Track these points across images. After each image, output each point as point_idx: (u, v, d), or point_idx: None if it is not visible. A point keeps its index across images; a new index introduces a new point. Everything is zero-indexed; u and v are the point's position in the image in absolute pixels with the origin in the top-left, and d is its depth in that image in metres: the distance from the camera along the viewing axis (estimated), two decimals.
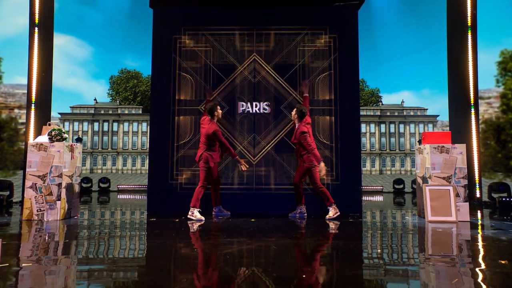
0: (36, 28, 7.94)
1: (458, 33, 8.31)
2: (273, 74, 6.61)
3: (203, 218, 5.45)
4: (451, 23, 8.52)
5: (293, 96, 6.51)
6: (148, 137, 9.41)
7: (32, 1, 7.94)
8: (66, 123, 34.39)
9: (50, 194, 5.31)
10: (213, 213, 5.85)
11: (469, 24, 8.16)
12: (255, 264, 3.17)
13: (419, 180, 6.05)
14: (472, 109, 8.08)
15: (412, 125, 34.89)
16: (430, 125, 34.74)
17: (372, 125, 35.08)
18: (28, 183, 5.34)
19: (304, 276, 2.90)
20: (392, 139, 34.98)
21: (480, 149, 8.09)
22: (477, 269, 3.00)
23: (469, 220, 5.44)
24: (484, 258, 3.41)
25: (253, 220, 5.38)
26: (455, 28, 8.40)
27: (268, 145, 6.45)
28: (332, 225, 5.16)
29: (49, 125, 5.77)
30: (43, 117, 7.81)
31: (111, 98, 36.03)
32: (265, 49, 6.71)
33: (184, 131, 6.56)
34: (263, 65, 6.65)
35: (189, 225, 5.09)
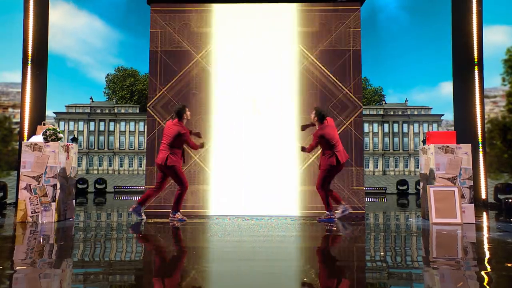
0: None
1: (463, 34, 8.30)
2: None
3: (185, 218, 5.51)
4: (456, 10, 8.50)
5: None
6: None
7: None
8: (61, 123, 34.40)
9: (45, 195, 5.30)
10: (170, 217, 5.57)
11: (475, 29, 8.12)
12: (254, 267, 3.17)
13: (423, 181, 6.05)
14: (478, 108, 8.07)
15: (416, 125, 34.90)
16: (435, 125, 34.75)
17: (375, 125, 35.09)
18: (22, 184, 5.34)
19: (305, 279, 2.90)
20: (396, 139, 34.99)
21: (486, 149, 8.09)
22: (482, 272, 3.00)
23: (474, 222, 5.43)
24: (490, 261, 3.41)
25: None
26: (459, 31, 8.37)
27: None
28: (334, 227, 5.16)
29: (44, 124, 5.77)
30: (38, 117, 7.81)
31: (107, 97, 36.03)
32: None
33: None
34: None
35: (187, 226, 5.09)
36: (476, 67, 8.12)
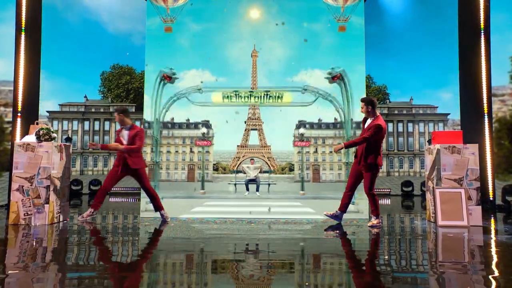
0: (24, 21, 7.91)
1: (470, 31, 8.29)
2: None
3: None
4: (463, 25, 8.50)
5: None
6: None
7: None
8: (55, 122, 34.27)
9: (38, 197, 5.30)
10: None
11: (482, 26, 8.09)
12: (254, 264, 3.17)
13: (429, 183, 6.05)
14: (485, 107, 8.07)
15: (421, 124, 34.78)
16: (441, 124, 34.66)
17: None
18: (14, 186, 5.33)
19: (306, 283, 2.90)
20: (400, 139, 34.88)
21: (494, 149, 8.08)
22: (490, 277, 3.00)
23: (481, 224, 5.43)
24: (497, 265, 3.41)
25: None
26: (466, 28, 8.36)
27: None
28: (337, 230, 5.16)
29: (37, 124, 5.77)
30: (31, 116, 7.80)
31: (102, 95, 36.01)
32: None
33: None
34: None
35: (185, 228, 5.10)
36: (483, 65, 8.11)
